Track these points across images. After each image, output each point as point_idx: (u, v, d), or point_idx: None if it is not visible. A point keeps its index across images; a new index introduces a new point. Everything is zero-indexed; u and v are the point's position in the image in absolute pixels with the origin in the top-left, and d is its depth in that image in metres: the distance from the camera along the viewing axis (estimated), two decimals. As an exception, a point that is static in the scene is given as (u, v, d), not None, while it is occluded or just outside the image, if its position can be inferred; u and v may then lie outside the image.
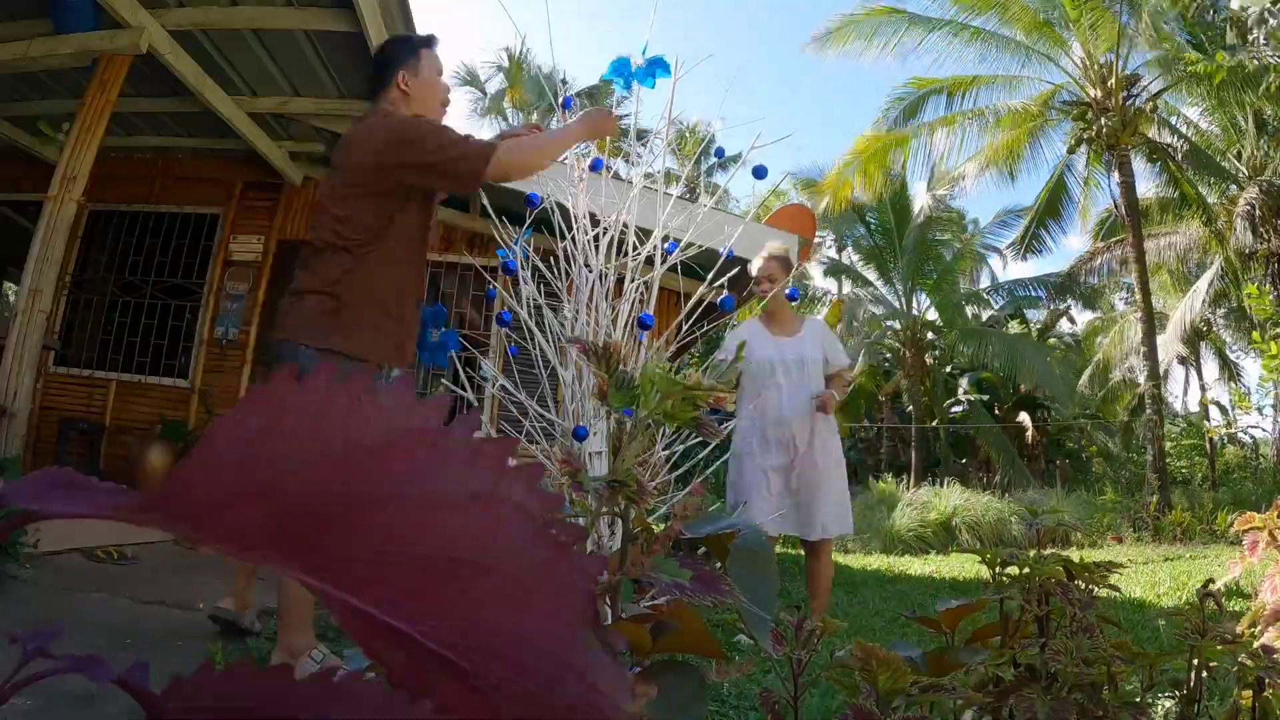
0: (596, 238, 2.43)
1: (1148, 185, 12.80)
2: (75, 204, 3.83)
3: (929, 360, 16.28)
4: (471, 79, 19.28)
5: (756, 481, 3.06)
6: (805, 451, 3.04)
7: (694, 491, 0.78)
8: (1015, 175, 12.61)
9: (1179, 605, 1.00)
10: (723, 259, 2.52)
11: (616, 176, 2.79)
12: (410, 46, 2.14)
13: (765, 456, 3.07)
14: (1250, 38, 10.49)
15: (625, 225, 2.47)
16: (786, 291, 3.12)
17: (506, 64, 18.85)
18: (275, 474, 0.22)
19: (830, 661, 0.86)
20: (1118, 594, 1.09)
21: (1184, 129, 12.03)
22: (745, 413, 3.13)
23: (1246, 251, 11.72)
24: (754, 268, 3.17)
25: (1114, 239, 13.99)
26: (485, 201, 2.80)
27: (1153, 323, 10.71)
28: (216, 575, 2.83)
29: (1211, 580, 0.97)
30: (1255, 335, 6.98)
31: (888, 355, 16.97)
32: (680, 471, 2.59)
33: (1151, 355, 10.41)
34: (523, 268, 2.48)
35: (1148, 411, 10.56)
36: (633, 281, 2.42)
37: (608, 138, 2.30)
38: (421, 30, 4.09)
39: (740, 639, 2.59)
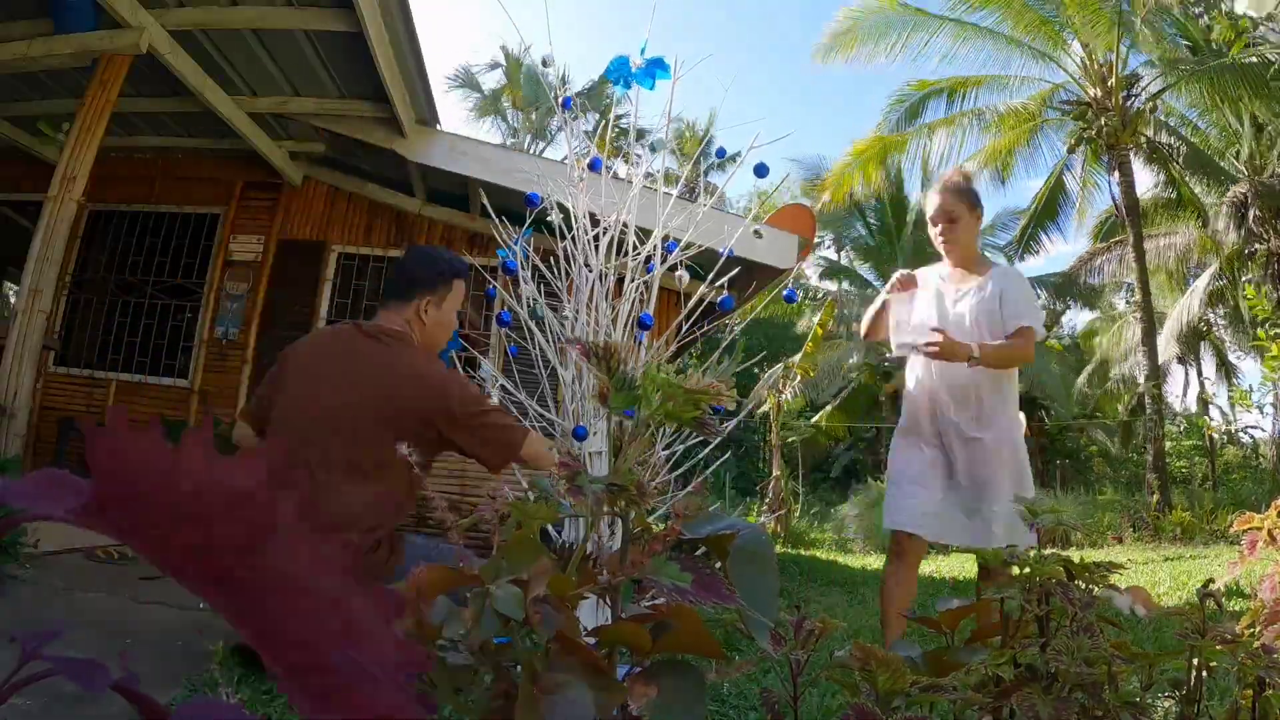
0: (596, 238, 2.43)
1: (1146, 185, 12.83)
2: (75, 204, 3.83)
3: (929, 360, 16.25)
4: (468, 81, 19.28)
5: (907, 473, 2.39)
6: (972, 437, 2.30)
7: (694, 490, 0.78)
8: (1013, 176, 12.64)
9: (1179, 605, 1.00)
10: (723, 259, 2.52)
11: (616, 176, 2.80)
12: (445, 274, 1.98)
13: (919, 443, 2.40)
14: (1246, 38, 10.49)
15: (625, 225, 2.47)
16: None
17: (504, 62, 18.85)
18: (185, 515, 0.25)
19: (830, 661, 0.86)
20: (1118, 594, 1.09)
21: (1183, 130, 12.05)
22: (908, 387, 2.49)
23: (1245, 251, 11.73)
24: (929, 206, 2.56)
25: (1114, 239, 14.00)
26: (485, 201, 2.80)
27: (1153, 323, 10.72)
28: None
29: (1211, 580, 0.97)
30: (1261, 333, 6.98)
31: (887, 355, 16.97)
32: (680, 471, 2.59)
33: (1151, 355, 10.42)
34: (523, 268, 2.48)
35: (1148, 411, 10.56)
36: (633, 281, 2.42)
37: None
38: (421, 30, 4.10)
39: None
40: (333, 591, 0.25)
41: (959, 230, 2.46)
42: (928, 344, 2.21)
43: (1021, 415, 2.48)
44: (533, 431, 1.93)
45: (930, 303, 2.45)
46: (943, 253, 2.54)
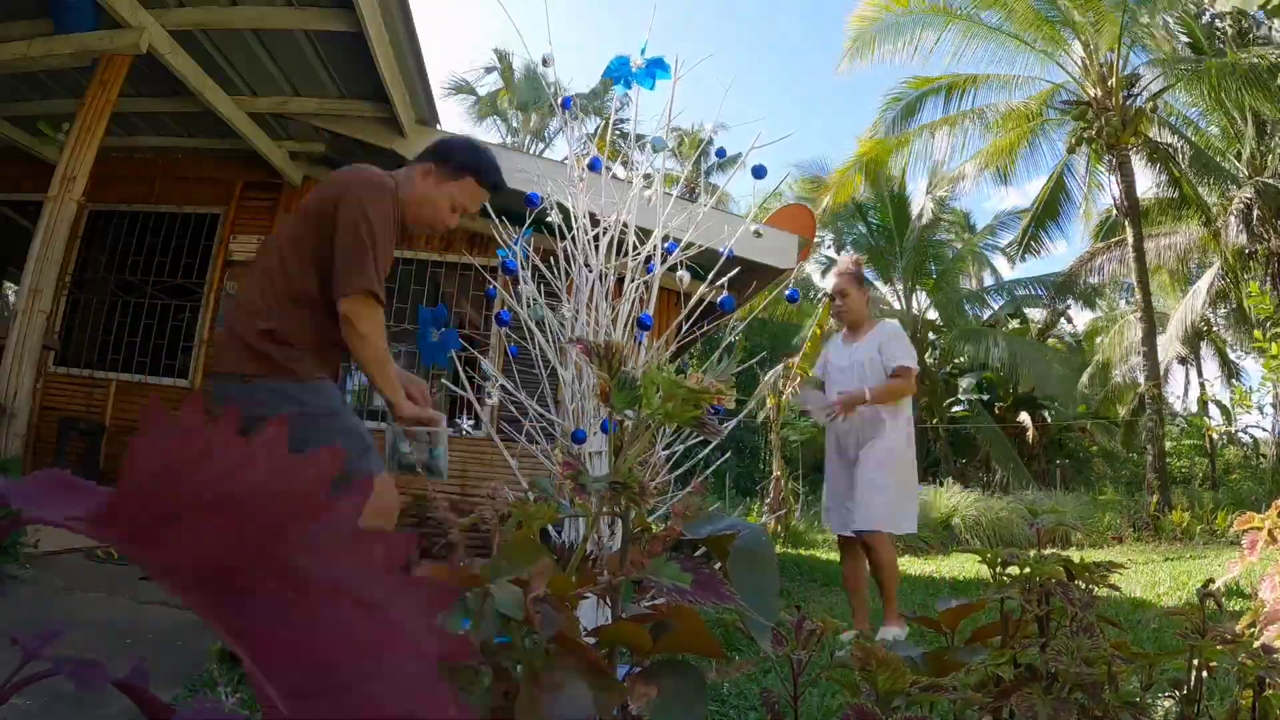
0: (596, 238, 2.43)
1: (1148, 185, 12.82)
2: (75, 204, 3.83)
3: (929, 360, 16.29)
4: (463, 87, 19.32)
5: (829, 485, 3.28)
6: (862, 451, 3.12)
7: (694, 490, 0.78)
8: (1015, 176, 12.65)
9: (1179, 605, 1.00)
10: (723, 259, 2.52)
11: (616, 177, 2.80)
12: (462, 164, 2.02)
13: (833, 460, 3.27)
14: (1250, 36, 10.51)
15: (625, 225, 2.47)
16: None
17: (498, 65, 18.90)
18: (199, 519, 0.22)
19: (830, 661, 0.86)
20: (1118, 594, 1.09)
21: (1184, 129, 12.05)
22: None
23: (1246, 251, 11.73)
24: (830, 286, 3.48)
25: (1114, 239, 14.00)
26: (485, 201, 2.80)
27: (1153, 323, 10.71)
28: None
29: (1211, 580, 0.97)
30: (1257, 334, 6.97)
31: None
32: (680, 471, 2.59)
33: (1151, 355, 10.42)
34: (523, 268, 2.48)
35: (1148, 411, 10.55)
36: (633, 281, 2.42)
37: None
38: (422, 31, 4.11)
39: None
40: (375, 599, 0.22)
41: (849, 303, 3.30)
42: (830, 411, 3.13)
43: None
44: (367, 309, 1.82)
45: (840, 354, 3.33)
46: (836, 319, 3.41)
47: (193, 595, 0.22)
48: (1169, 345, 13.18)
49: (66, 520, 0.24)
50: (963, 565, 6.60)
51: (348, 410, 2.07)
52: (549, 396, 2.46)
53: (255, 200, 5.82)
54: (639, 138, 2.76)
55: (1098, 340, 17.54)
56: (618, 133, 2.80)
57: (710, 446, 2.34)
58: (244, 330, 1.84)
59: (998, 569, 0.93)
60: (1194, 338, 14.35)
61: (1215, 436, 15.24)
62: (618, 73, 2.40)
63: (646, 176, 2.62)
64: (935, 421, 16.18)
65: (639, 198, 2.49)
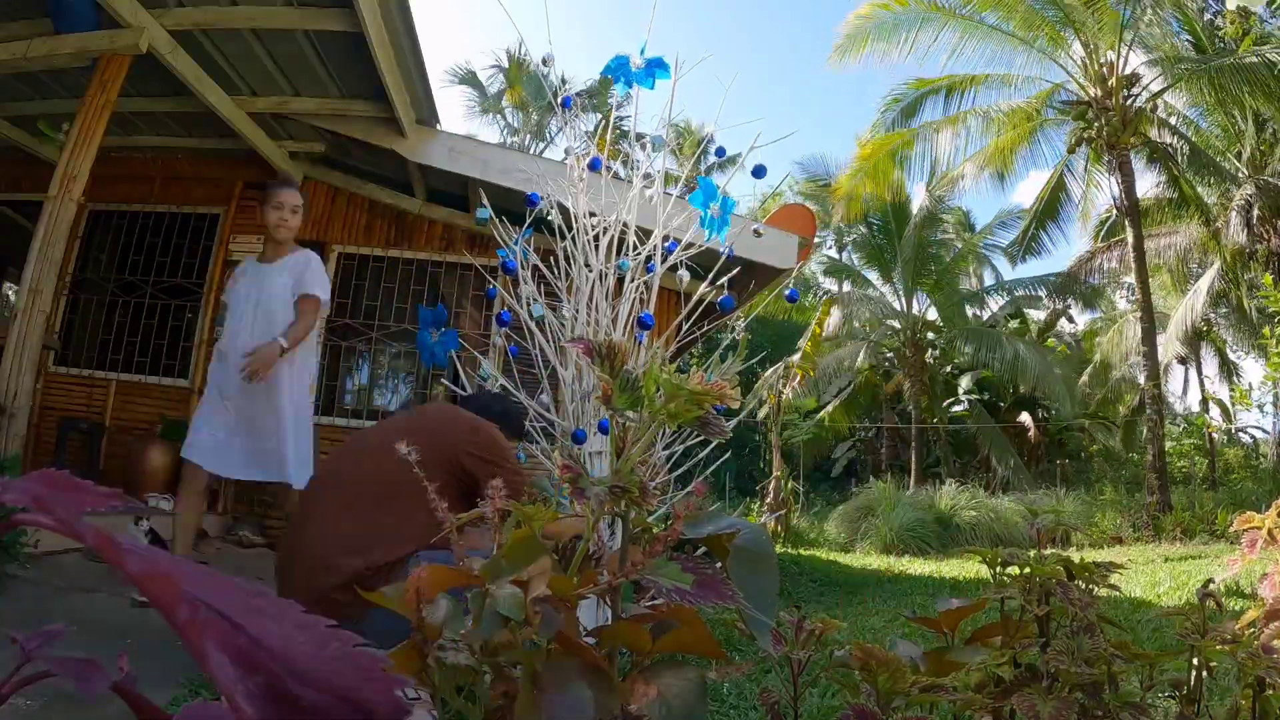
0: (596, 238, 2.43)
1: (1148, 185, 12.82)
2: (75, 204, 3.83)
3: (929, 360, 16.29)
4: (469, 79, 19.35)
5: (203, 414, 3.03)
6: (253, 387, 2.92)
7: (695, 491, 0.78)
8: (1015, 176, 12.67)
9: (1179, 605, 1.00)
10: (723, 259, 2.52)
11: (616, 176, 2.79)
12: (515, 432, 2.31)
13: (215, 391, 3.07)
14: (1253, 35, 10.49)
15: (625, 225, 2.47)
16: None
17: (506, 65, 18.93)
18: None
19: (830, 661, 0.86)
20: (1118, 594, 1.09)
21: (1184, 129, 12.05)
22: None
23: (1246, 251, 11.73)
24: (286, 195, 3.20)
25: (1114, 239, 14.00)
26: (485, 202, 2.80)
27: (1153, 322, 10.71)
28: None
29: (1211, 580, 0.97)
30: (1266, 332, 6.93)
31: (888, 355, 16.99)
32: (680, 471, 2.59)
33: (1151, 355, 10.41)
34: (523, 268, 2.48)
35: (1148, 411, 10.55)
36: (633, 281, 2.42)
37: None
38: (421, 29, 4.11)
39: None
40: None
41: (298, 218, 3.14)
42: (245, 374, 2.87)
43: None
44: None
45: (252, 280, 3.17)
46: (276, 231, 3.16)
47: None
48: (1169, 345, 13.18)
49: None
50: (963, 565, 6.61)
51: None
52: (549, 396, 2.46)
53: (255, 200, 5.81)
54: (639, 136, 2.75)
55: (1097, 340, 17.54)
56: (618, 130, 2.80)
57: (710, 446, 2.34)
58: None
59: (998, 569, 0.93)
60: (1194, 337, 14.35)
61: (1215, 436, 15.23)
62: (617, 72, 2.40)
63: (646, 176, 2.62)
64: (935, 421, 16.19)
65: (639, 197, 2.49)
